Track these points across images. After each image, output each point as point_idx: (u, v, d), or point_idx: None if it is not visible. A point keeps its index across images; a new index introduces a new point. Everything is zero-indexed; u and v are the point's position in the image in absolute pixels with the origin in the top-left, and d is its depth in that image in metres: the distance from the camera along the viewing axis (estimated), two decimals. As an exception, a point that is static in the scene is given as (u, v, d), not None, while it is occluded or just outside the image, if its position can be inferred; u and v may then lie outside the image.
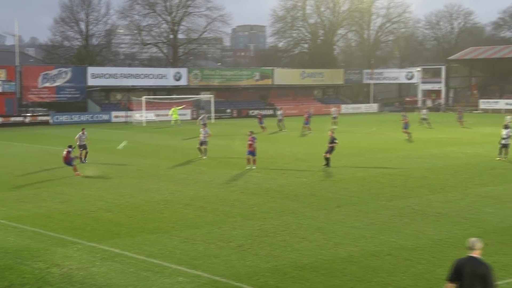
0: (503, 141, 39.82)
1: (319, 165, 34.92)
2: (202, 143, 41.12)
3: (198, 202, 25.27)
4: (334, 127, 61.59)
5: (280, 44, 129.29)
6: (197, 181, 30.74)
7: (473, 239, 11.61)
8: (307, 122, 63.30)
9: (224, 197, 26.58)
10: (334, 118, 71.27)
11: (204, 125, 44.28)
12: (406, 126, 55.65)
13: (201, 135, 41.48)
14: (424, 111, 71.66)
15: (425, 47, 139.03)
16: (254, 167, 34.65)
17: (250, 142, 35.68)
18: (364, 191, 27.70)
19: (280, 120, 66.27)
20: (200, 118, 64.26)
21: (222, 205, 24.68)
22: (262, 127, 63.80)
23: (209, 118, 79.41)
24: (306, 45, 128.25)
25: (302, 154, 41.24)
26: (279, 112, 68.26)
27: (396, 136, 52.44)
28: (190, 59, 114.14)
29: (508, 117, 61.41)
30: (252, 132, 37.11)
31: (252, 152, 35.39)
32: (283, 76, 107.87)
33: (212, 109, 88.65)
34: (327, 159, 36.30)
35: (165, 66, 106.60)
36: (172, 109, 76.63)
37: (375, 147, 45.17)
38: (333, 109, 75.40)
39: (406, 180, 30.68)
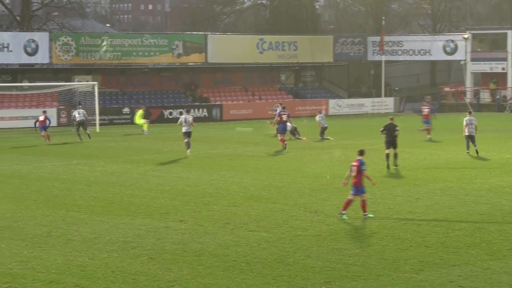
0: None
1: (290, 207, 25.58)
2: None
3: (69, 278, 17.57)
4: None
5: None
6: (69, 238, 21.80)
7: None
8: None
9: (118, 267, 18.43)
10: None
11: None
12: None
13: None
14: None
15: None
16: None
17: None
18: (372, 254, 19.60)
19: None
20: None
21: (115, 284, 17.19)
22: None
23: (91, 122, 55.72)
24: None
25: (260, 188, 29.73)
26: None
27: (428, 155, 39.64)
28: (53, 16, 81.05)
29: None
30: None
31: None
32: (225, 48, 72.25)
33: (97, 106, 58.32)
34: (389, 156, 33.74)
35: (8, 29, 74.39)
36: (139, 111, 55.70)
37: (391, 176, 32.70)
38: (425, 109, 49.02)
39: (447, 235, 21.77)
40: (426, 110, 47.73)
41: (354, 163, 23.61)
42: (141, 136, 51.70)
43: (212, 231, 21.71)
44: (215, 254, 19.22)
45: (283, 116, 43.07)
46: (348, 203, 23.31)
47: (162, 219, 23.57)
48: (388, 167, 33.66)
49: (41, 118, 47.59)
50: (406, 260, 18.55)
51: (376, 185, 25.32)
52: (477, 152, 38.00)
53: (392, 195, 27.46)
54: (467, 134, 38.31)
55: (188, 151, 39.34)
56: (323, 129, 47.88)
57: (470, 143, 38.32)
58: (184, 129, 39.72)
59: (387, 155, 34.13)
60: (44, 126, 47.10)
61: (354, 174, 23.41)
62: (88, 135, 48.80)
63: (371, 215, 23.36)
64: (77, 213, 24.68)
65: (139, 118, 54.24)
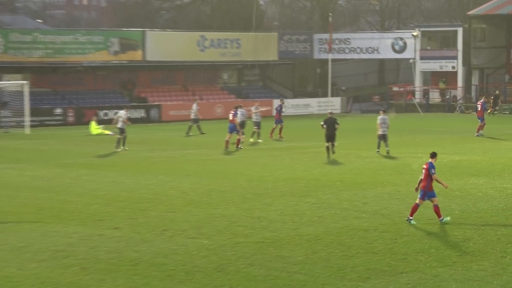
0: None
1: (232, 213, 25.55)
2: None
3: (-5, 291, 17.36)
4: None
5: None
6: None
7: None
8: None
9: (48, 278, 18.08)
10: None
11: None
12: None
13: None
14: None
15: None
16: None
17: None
18: (317, 261, 19.42)
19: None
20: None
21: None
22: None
23: (19, 124, 57.30)
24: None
25: (201, 192, 29.44)
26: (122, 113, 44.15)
27: (376, 158, 40.01)
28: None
29: None
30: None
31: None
32: (164, 45, 72.30)
33: (27, 108, 57.88)
34: (329, 150, 38.44)
35: None
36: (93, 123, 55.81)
37: (337, 179, 32.49)
38: None
39: (395, 241, 21.68)
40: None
41: (424, 166, 23.33)
42: (76, 139, 51.17)
43: (149, 239, 21.34)
44: (152, 263, 18.86)
45: (229, 115, 43.32)
46: (415, 208, 23.02)
47: (96, 226, 23.12)
48: (328, 157, 38.05)
49: None
50: (352, 267, 18.39)
51: (449, 187, 24.73)
52: (388, 152, 39.42)
53: (339, 199, 27.30)
54: (380, 133, 39.93)
55: (123, 147, 42.58)
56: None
57: (382, 143, 39.81)
58: (119, 125, 43.08)
59: (327, 148, 38.48)
60: None
61: (422, 177, 23.13)
62: None
63: (448, 218, 23.03)
64: (4, 220, 24.14)
65: (95, 128, 54.03)
